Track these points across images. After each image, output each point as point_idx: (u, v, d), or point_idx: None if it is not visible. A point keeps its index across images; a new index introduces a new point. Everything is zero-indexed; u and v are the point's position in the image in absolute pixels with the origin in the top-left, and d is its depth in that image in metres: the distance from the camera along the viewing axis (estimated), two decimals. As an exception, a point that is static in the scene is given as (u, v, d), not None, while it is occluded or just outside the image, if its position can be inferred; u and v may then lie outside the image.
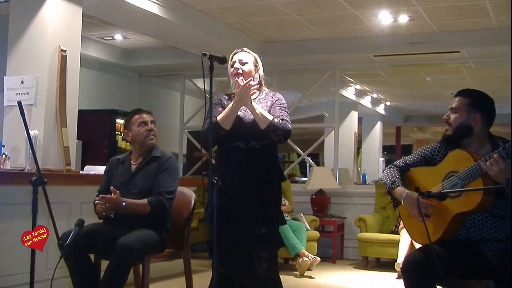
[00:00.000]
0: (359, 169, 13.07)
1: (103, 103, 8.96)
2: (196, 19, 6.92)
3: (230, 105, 3.41)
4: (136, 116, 4.05)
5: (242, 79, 3.46)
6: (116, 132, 8.27)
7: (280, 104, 3.51)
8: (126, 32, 8.15)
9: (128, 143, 4.98)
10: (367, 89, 12.03)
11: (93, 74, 9.00)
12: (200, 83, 9.55)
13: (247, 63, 3.53)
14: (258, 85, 3.57)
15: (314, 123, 12.55)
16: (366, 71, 9.87)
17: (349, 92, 11.60)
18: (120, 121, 8.23)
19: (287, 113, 3.51)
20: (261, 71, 3.60)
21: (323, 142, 10.69)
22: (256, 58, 3.59)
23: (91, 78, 8.88)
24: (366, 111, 13.50)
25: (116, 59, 9.11)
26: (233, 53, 3.59)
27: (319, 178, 7.83)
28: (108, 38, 8.49)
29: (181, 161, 9.56)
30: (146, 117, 4.04)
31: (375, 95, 12.88)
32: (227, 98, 3.60)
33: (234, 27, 7.60)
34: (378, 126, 14.42)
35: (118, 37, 8.38)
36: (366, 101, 12.79)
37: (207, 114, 3.27)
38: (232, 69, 3.52)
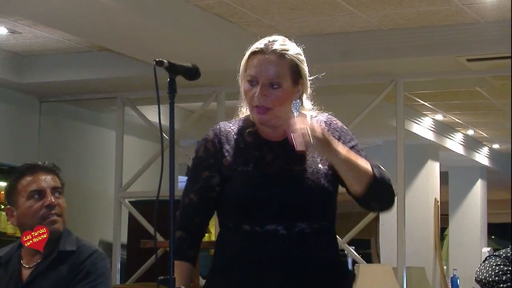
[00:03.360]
0: (444, 267, 12.99)
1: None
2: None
3: None
4: (27, 180, 3.98)
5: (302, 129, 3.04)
6: (-4, 205, 8.29)
7: (350, 140, 3.30)
8: (16, 22, 8.20)
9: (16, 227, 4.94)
10: (457, 120, 12.07)
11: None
12: (151, 113, 9.58)
13: (280, 85, 3.25)
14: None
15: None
16: (454, 88, 9.93)
17: (423, 127, 11.62)
18: (2, 185, 8.20)
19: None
20: (306, 84, 3.42)
21: (377, 218, 10.64)
22: (297, 60, 3.44)
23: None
24: (456, 160, 13.49)
25: (-1, 70, 9.18)
26: (249, 52, 3.34)
27: (372, 284, 7.80)
28: (-17, 34, 8.58)
29: (118, 257, 9.50)
30: (44, 180, 3.98)
31: (471, 132, 12.89)
32: (233, 132, 3.28)
33: (215, 14, 7.63)
34: (479, 188, 14.38)
35: (1, 30, 8.44)
36: (454, 143, 12.80)
37: (185, 187, 3.22)
38: (248, 87, 3.24)
